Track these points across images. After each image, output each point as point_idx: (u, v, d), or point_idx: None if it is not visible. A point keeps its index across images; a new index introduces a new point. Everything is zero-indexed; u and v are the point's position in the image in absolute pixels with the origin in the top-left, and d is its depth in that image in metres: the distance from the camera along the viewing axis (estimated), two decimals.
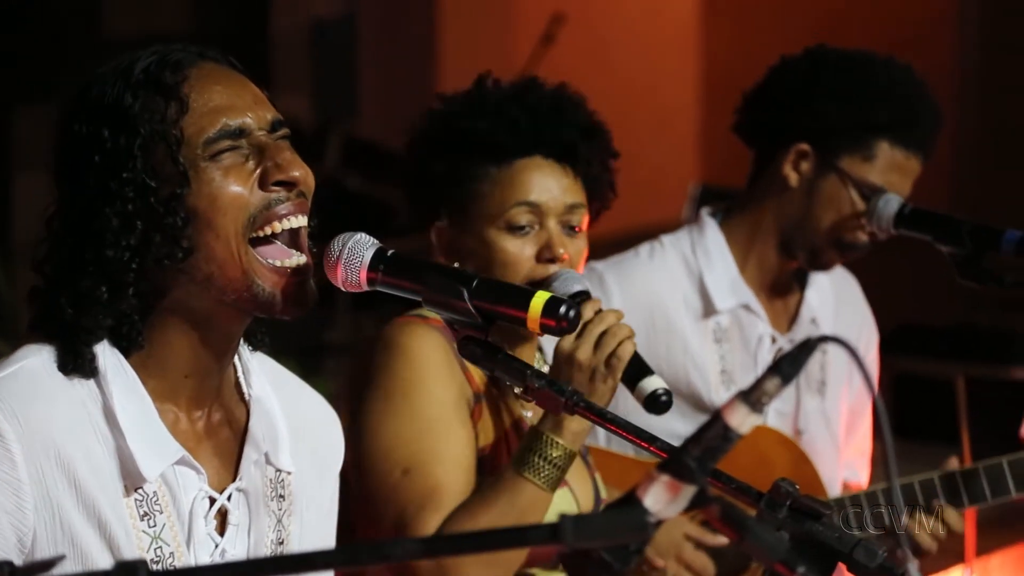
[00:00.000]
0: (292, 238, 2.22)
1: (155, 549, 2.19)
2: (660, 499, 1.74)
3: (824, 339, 1.80)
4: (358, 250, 2.23)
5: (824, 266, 3.41)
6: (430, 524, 2.71)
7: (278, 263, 2.20)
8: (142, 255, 2.16)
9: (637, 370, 2.75)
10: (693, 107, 10.29)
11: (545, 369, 2.94)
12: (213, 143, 2.18)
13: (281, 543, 2.32)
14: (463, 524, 2.70)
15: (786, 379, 1.76)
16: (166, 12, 8.62)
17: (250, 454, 2.27)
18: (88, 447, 2.16)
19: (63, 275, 2.18)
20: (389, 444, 2.76)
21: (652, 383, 2.72)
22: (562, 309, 2.17)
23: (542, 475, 2.70)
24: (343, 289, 2.27)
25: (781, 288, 3.49)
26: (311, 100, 9.24)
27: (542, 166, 2.89)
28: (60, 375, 2.18)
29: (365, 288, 2.25)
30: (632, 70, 10.10)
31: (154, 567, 2.16)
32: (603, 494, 3.00)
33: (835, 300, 3.57)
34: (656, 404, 2.73)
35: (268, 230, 2.19)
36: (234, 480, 2.26)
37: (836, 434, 3.54)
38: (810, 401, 3.50)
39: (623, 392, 3.43)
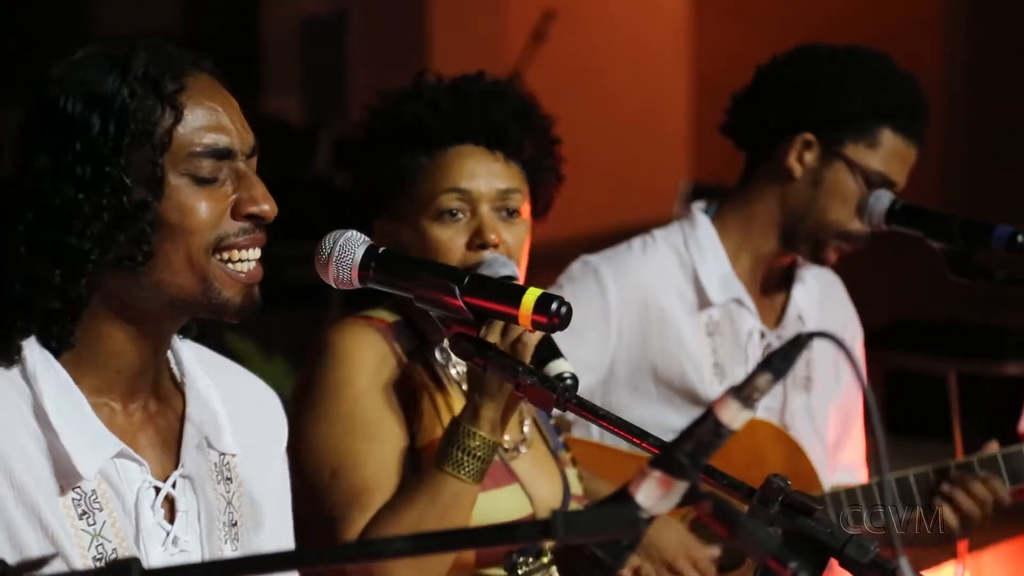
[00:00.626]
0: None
1: (96, 547, 2.17)
2: (652, 495, 1.74)
3: (816, 335, 1.80)
4: (349, 248, 2.23)
5: (826, 259, 3.41)
6: (357, 525, 2.70)
7: (240, 273, 2.20)
8: (102, 250, 2.15)
9: (547, 353, 2.67)
10: (684, 105, 10.30)
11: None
12: (197, 159, 2.17)
13: (235, 524, 2.32)
14: (387, 523, 2.69)
15: (777, 375, 1.76)
16: (156, 12, 8.62)
17: (190, 439, 2.27)
18: (23, 448, 2.15)
19: (21, 254, 2.16)
20: (318, 446, 2.76)
21: (558, 366, 2.58)
22: (554, 306, 2.17)
23: (463, 468, 2.66)
24: (334, 286, 2.27)
25: (770, 284, 3.51)
26: (301, 99, 9.24)
27: (472, 153, 2.86)
28: None
29: (357, 286, 2.24)
30: (623, 68, 10.10)
31: (96, 565, 2.16)
32: (575, 489, 2.97)
33: (820, 298, 3.58)
34: (564, 388, 2.67)
35: (226, 256, 2.19)
36: (177, 467, 2.26)
37: (823, 431, 3.55)
38: (797, 398, 3.50)
39: (614, 387, 3.44)
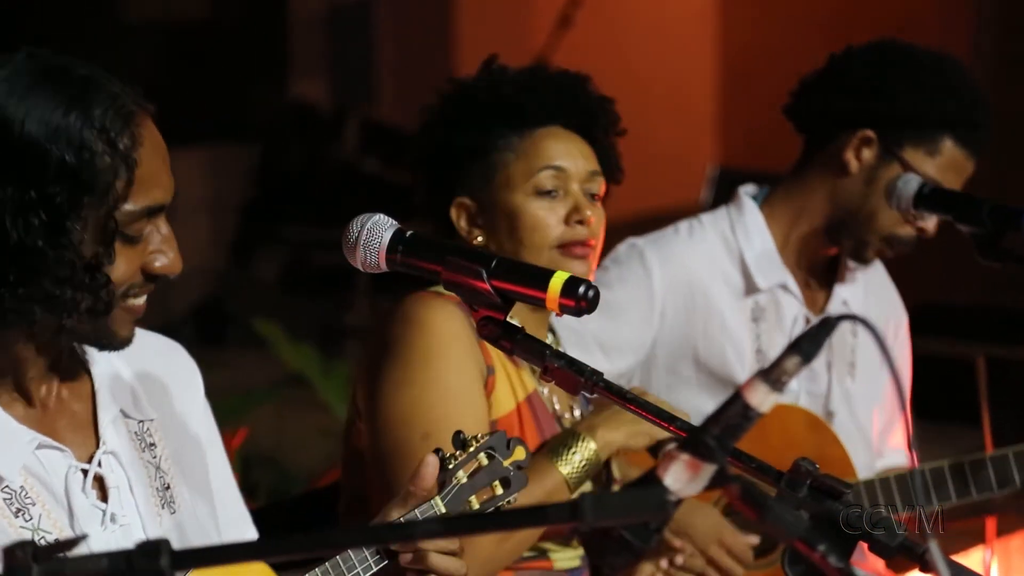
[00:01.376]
0: None
1: (39, 540, 2.18)
2: (680, 478, 1.74)
3: (844, 318, 1.79)
4: (377, 231, 2.23)
5: (867, 259, 3.41)
6: None
7: (138, 307, 2.23)
8: (36, 297, 2.15)
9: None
10: (711, 89, 10.27)
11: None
12: (136, 221, 2.18)
13: (167, 487, 2.34)
14: None
15: (806, 358, 1.76)
16: None
17: (104, 415, 2.29)
18: None
19: None
20: (408, 411, 2.78)
21: None
22: (581, 289, 2.17)
23: (570, 468, 2.79)
24: (362, 270, 2.27)
25: (816, 271, 3.50)
26: (328, 84, 9.24)
27: (563, 135, 2.93)
28: None
29: (384, 269, 2.25)
30: (650, 52, 10.08)
31: None
32: (616, 473, 3.01)
33: (864, 284, 3.57)
34: None
35: (125, 303, 2.22)
36: (99, 446, 2.28)
37: (862, 418, 3.54)
38: (841, 384, 3.50)
39: (655, 370, 3.44)
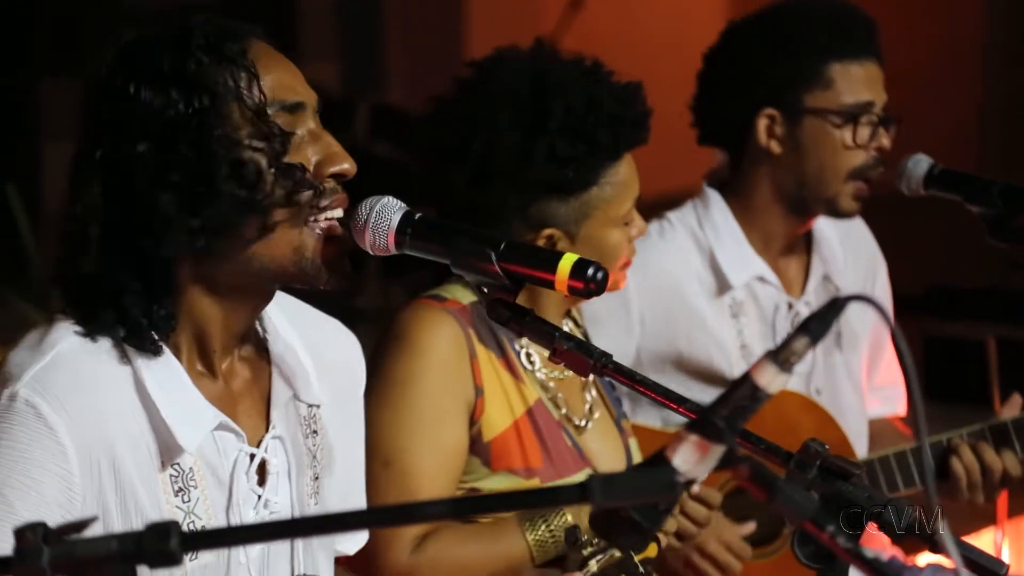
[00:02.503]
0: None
1: (187, 524, 2.19)
2: (689, 458, 1.74)
3: (852, 298, 1.79)
4: (386, 213, 2.23)
5: (850, 210, 3.39)
6: (410, 530, 2.76)
7: (324, 226, 2.19)
8: (195, 236, 2.12)
9: None
10: None
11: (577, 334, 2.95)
12: (272, 119, 2.16)
13: (316, 478, 2.33)
14: (455, 544, 2.77)
15: (815, 338, 1.76)
16: None
17: (279, 396, 2.28)
18: (127, 428, 2.15)
19: (102, 249, 2.14)
20: (378, 433, 2.78)
21: None
22: (590, 271, 2.17)
23: (537, 537, 2.76)
24: (371, 253, 2.27)
25: (791, 252, 3.49)
26: (338, 68, 9.23)
27: (630, 158, 2.94)
28: (93, 356, 2.15)
29: (393, 252, 2.24)
30: (662, 33, 10.05)
31: None
32: (637, 460, 3.01)
33: (841, 246, 3.56)
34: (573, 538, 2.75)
35: (320, 216, 2.18)
36: (267, 430, 2.27)
37: (857, 385, 3.54)
38: (828, 357, 3.49)
39: (660, 368, 3.43)
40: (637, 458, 3.01)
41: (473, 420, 2.85)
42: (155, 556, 1.61)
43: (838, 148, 3.34)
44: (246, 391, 2.27)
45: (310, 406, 2.33)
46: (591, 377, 2.94)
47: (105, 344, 2.16)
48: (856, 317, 3.53)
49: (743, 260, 3.42)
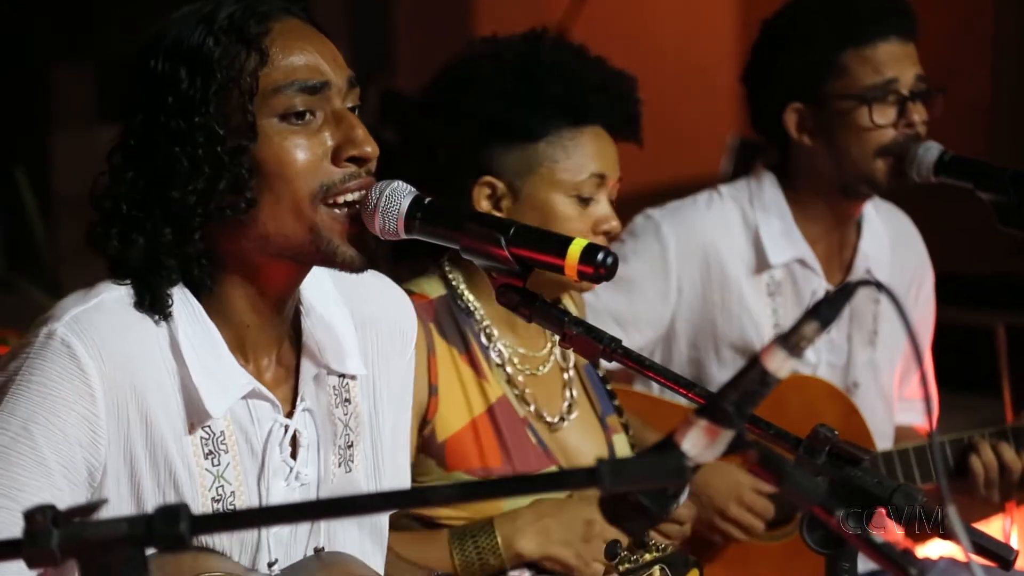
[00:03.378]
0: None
1: (216, 488, 2.21)
2: (698, 443, 1.74)
3: (864, 283, 1.79)
4: (395, 198, 2.23)
5: (885, 184, 3.38)
6: None
7: (345, 210, 2.19)
8: (206, 201, 2.16)
9: None
10: (731, 60, 10.22)
11: None
12: (287, 97, 2.17)
13: (351, 446, 2.34)
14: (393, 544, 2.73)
15: (824, 323, 1.75)
16: None
17: (307, 372, 2.29)
18: (159, 383, 2.18)
19: (126, 212, 2.19)
20: None
21: None
22: (600, 256, 2.16)
23: (464, 554, 2.75)
24: (381, 238, 2.27)
25: (837, 239, 3.50)
26: (347, 54, 9.22)
27: (605, 139, 2.91)
28: (134, 311, 2.18)
29: (403, 236, 2.24)
30: (668, 23, 10.03)
31: (215, 506, 2.19)
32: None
33: (891, 243, 3.57)
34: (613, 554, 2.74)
35: (339, 199, 2.19)
36: (294, 403, 2.28)
37: (886, 387, 3.55)
38: (863, 353, 3.50)
39: (675, 345, 3.43)
40: (623, 454, 2.99)
41: (425, 420, 2.84)
42: (165, 539, 1.61)
43: (861, 130, 3.35)
44: (278, 363, 2.28)
45: (342, 376, 2.33)
46: (571, 374, 2.95)
47: (148, 301, 2.19)
48: (898, 322, 3.53)
49: (787, 240, 3.44)
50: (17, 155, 6.18)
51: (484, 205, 2.88)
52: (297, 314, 2.31)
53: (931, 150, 3.32)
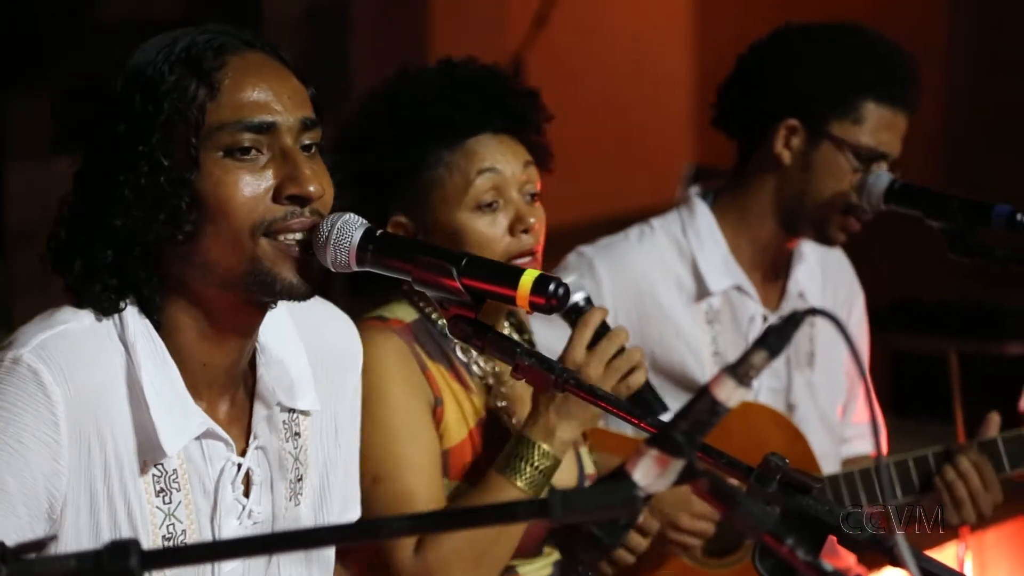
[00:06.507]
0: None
1: (167, 526, 2.20)
2: (649, 473, 1.75)
3: (811, 312, 1.80)
4: (347, 231, 2.23)
5: (833, 238, 3.41)
6: None
7: (293, 247, 2.19)
8: (145, 229, 2.16)
9: (649, 402, 2.77)
10: (687, 87, 10.27)
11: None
12: (232, 134, 2.17)
13: (300, 479, 2.34)
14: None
15: (773, 352, 1.76)
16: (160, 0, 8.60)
17: (260, 412, 2.29)
18: (118, 417, 2.17)
19: (75, 235, 2.20)
20: (360, 454, 2.78)
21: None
22: (551, 287, 2.17)
23: (527, 479, 2.74)
24: (333, 270, 2.27)
25: (772, 267, 3.51)
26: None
27: (493, 140, 2.87)
28: (99, 339, 2.18)
29: (355, 268, 2.24)
30: (626, 51, 10.08)
31: (165, 544, 2.18)
32: (588, 468, 3.01)
33: (821, 271, 3.59)
34: None
35: (279, 237, 2.19)
36: (248, 440, 2.27)
37: (826, 408, 3.56)
38: (801, 376, 3.51)
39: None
40: (588, 465, 3.01)
41: (436, 427, 2.86)
42: (114, 574, 1.60)
43: (843, 181, 3.35)
44: (231, 402, 2.28)
45: (292, 411, 2.33)
46: None
47: (110, 332, 2.19)
48: (836, 344, 3.55)
49: (724, 268, 3.44)
50: None
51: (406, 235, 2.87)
52: (253, 355, 2.31)
53: (881, 178, 3.34)
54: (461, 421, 2.87)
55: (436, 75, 2.94)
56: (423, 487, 2.78)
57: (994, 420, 3.36)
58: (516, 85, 2.96)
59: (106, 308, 2.19)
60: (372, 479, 2.76)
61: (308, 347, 2.35)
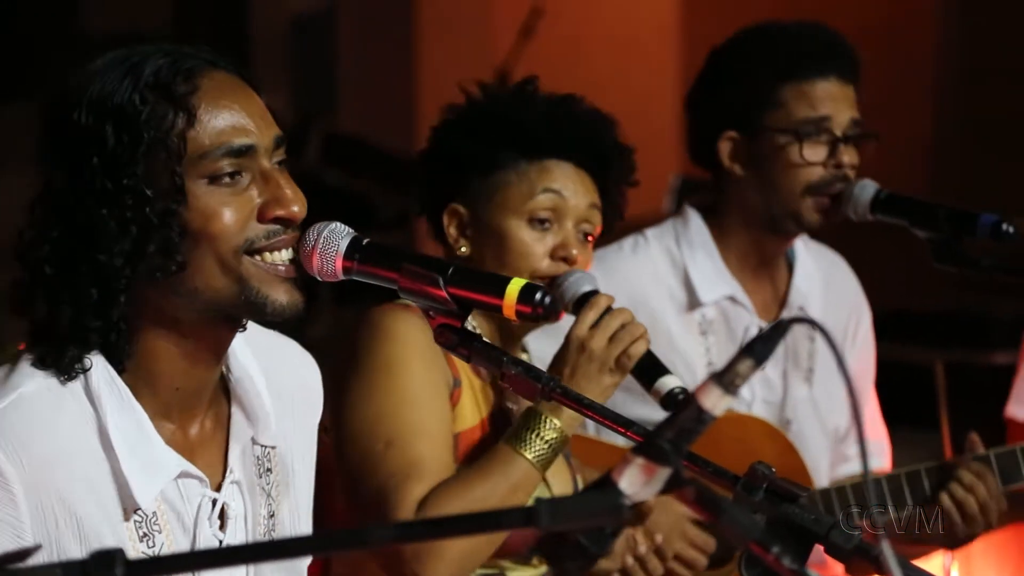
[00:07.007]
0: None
1: None
2: (635, 481, 1.74)
3: (796, 321, 1.80)
4: (333, 239, 2.23)
5: (811, 222, 3.41)
6: (414, 493, 2.74)
7: (279, 266, 2.19)
8: (135, 263, 2.13)
9: (653, 369, 2.79)
10: (673, 99, 10.29)
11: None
12: (215, 160, 2.16)
13: (272, 515, 2.33)
14: (454, 494, 2.73)
15: (759, 360, 1.76)
16: (144, 8, 8.60)
17: (235, 447, 2.28)
18: (89, 475, 2.14)
19: (51, 273, 2.14)
20: (372, 418, 2.79)
21: (669, 382, 2.76)
22: (537, 296, 2.17)
23: (535, 451, 2.75)
24: (319, 279, 2.27)
25: (768, 277, 3.51)
26: (290, 96, 9.23)
27: (571, 170, 2.94)
28: (56, 400, 2.14)
29: (341, 277, 2.24)
30: (612, 62, 10.09)
31: None
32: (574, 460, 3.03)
33: (824, 284, 3.58)
34: (674, 403, 2.75)
35: (258, 257, 2.18)
36: (225, 473, 2.26)
37: (827, 423, 3.55)
38: (798, 390, 3.50)
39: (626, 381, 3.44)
40: (572, 464, 3.02)
41: (452, 408, 2.87)
42: None
43: (790, 165, 3.37)
44: (208, 439, 2.27)
45: (264, 447, 2.32)
46: None
47: (72, 387, 2.15)
48: (835, 370, 3.54)
49: (716, 278, 3.45)
50: None
51: (452, 232, 2.95)
52: (222, 377, 2.29)
53: (867, 188, 3.34)
54: (475, 408, 2.89)
55: (554, 98, 3.02)
56: (434, 454, 2.78)
57: (976, 440, 3.37)
58: (621, 137, 3.04)
59: (68, 368, 2.14)
60: (385, 443, 2.76)
61: (270, 382, 2.33)
